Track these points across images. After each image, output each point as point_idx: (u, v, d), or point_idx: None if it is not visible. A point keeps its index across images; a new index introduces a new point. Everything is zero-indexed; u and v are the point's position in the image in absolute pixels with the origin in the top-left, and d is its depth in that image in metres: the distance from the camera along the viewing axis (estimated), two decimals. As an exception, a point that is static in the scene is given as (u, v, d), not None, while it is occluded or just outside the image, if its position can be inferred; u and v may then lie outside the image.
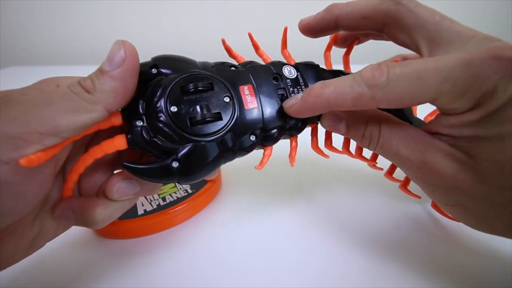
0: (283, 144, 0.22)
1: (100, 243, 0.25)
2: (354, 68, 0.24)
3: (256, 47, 0.24)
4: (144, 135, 0.17)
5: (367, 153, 0.24)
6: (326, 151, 0.24)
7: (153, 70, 0.18)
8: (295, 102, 0.19)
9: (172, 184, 0.29)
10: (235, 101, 0.19)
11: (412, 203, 0.29)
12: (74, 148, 0.19)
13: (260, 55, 0.23)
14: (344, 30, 0.22)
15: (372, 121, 0.20)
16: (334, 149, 0.24)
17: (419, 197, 0.27)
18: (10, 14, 0.84)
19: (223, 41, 0.22)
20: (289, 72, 0.22)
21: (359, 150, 0.24)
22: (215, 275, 0.22)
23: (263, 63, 0.23)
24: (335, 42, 0.25)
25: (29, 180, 0.15)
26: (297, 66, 0.22)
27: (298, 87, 0.21)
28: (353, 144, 0.23)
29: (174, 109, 0.18)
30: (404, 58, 0.26)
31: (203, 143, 0.18)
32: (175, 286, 0.22)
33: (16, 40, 0.88)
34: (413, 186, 0.23)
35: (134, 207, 0.27)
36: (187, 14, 0.81)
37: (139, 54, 0.16)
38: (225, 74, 0.20)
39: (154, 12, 0.81)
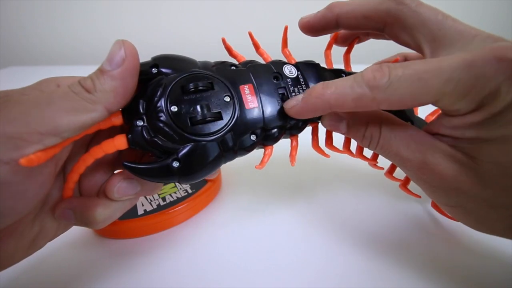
0: (283, 144, 0.22)
1: (100, 243, 0.25)
2: (355, 67, 0.24)
3: (256, 46, 0.23)
4: (145, 135, 0.17)
5: (368, 152, 0.24)
6: (326, 150, 0.24)
7: (153, 69, 0.18)
8: (296, 103, 0.19)
9: (172, 184, 0.29)
10: (235, 100, 0.19)
11: (412, 202, 0.29)
12: (75, 148, 0.18)
13: (261, 54, 0.23)
14: (345, 29, 0.22)
15: (373, 122, 0.20)
16: (335, 149, 0.24)
17: (419, 197, 0.27)
18: (10, 14, 0.84)
19: (223, 40, 0.22)
20: (290, 71, 0.22)
21: (360, 149, 0.24)
22: (215, 275, 0.22)
23: (263, 62, 0.23)
24: (336, 40, 0.25)
25: (29, 180, 0.15)
26: (297, 65, 0.22)
27: (298, 86, 0.21)
28: (353, 144, 0.23)
29: (174, 108, 0.17)
30: (405, 57, 0.26)
31: (203, 142, 0.18)
32: (175, 286, 0.22)
33: (16, 40, 0.88)
34: (413, 185, 0.23)
35: (134, 207, 0.27)
36: (187, 14, 0.81)
37: (139, 54, 0.16)
38: (226, 73, 0.20)
39: (154, 12, 0.81)
